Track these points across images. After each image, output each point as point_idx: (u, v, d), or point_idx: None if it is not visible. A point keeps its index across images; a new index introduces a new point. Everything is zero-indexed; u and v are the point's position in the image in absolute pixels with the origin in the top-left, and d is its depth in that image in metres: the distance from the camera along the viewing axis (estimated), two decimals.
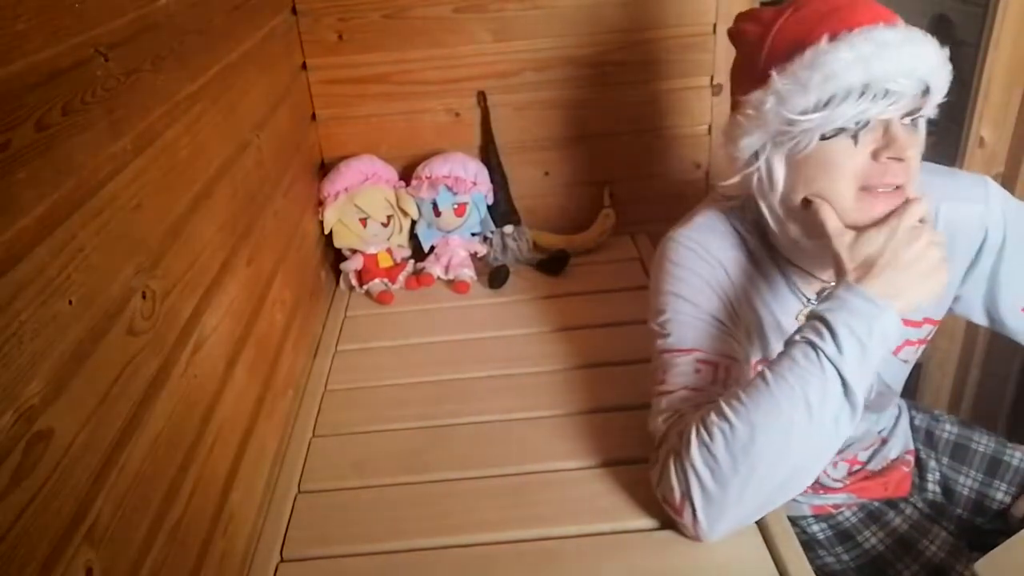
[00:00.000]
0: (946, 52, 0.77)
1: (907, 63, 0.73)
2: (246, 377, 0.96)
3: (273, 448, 1.04)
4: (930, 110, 0.78)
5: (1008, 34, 1.48)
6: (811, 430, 0.73)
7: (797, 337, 0.76)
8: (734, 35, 0.88)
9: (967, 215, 0.88)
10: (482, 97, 1.50)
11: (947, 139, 1.61)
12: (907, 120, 0.77)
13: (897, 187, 0.77)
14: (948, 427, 1.10)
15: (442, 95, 1.50)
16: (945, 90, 0.77)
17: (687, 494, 0.77)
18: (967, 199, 0.89)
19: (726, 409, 0.75)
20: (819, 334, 0.74)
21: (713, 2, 1.44)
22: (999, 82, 1.52)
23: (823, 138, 0.77)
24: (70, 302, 0.59)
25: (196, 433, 0.80)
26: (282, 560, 0.88)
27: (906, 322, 0.91)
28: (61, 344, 0.58)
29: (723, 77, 1.49)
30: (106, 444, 0.62)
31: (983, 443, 1.08)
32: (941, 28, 1.65)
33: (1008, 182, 1.57)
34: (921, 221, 0.76)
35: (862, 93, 0.74)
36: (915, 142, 0.77)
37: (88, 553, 0.57)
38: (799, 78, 0.76)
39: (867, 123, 0.76)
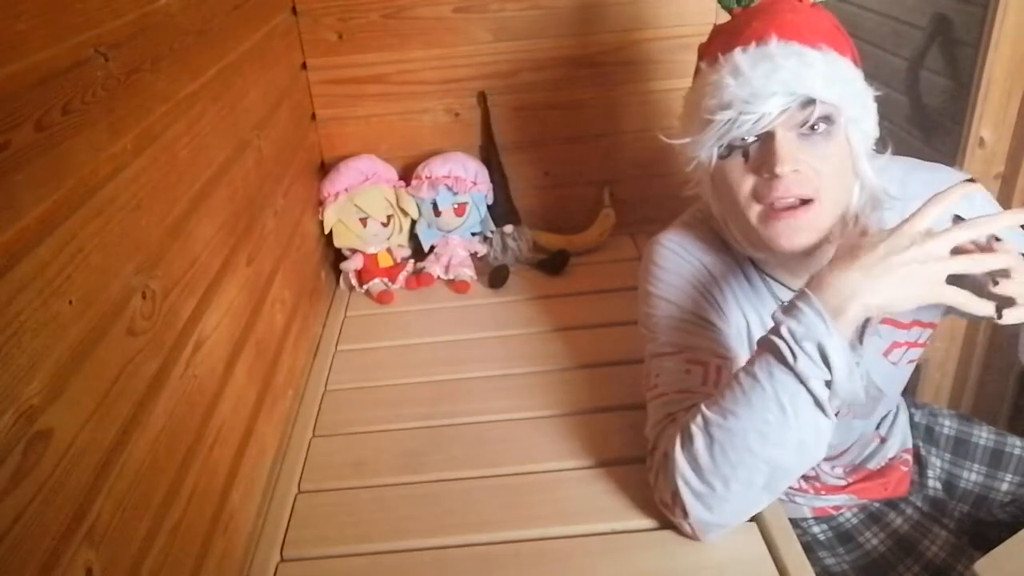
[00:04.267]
0: (831, 59, 0.75)
1: (759, 84, 0.74)
2: (246, 377, 0.96)
3: (273, 448, 1.04)
4: (845, 113, 0.76)
5: (1008, 34, 1.48)
6: (787, 429, 0.72)
7: (767, 337, 0.75)
8: None
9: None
10: (482, 97, 1.50)
11: (947, 139, 1.61)
12: (805, 131, 0.76)
13: (803, 201, 0.76)
14: (947, 422, 1.10)
15: (442, 95, 1.50)
16: (841, 95, 0.76)
17: (677, 496, 0.78)
18: None
19: (706, 412, 0.76)
20: (778, 334, 0.73)
21: (713, 2, 1.44)
22: (999, 82, 1.52)
23: (721, 157, 0.80)
24: (70, 302, 0.59)
25: (196, 433, 0.80)
26: (282, 560, 0.88)
27: (893, 323, 0.91)
28: (61, 344, 0.58)
29: None
30: (106, 444, 0.62)
31: (983, 436, 1.08)
32: (941, 28, 1.66)
33: (1008, 182, 1.56)
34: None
35: (723, 118, 0.76)
36: (815, 152, 0.76)
37: (88, 553, 0.57)
38: (686, 102, 0.84)
39: (756, 139, 0.77)
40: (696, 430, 0.76)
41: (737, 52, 0.77)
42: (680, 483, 0.77)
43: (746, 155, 0.78)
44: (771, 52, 0.75)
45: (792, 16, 0.78)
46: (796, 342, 0.70)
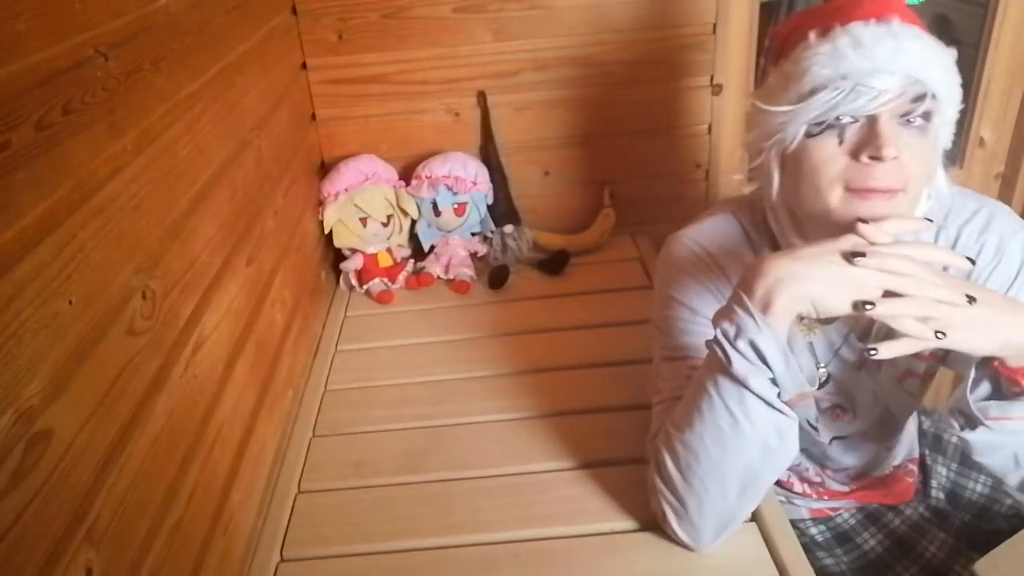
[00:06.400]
0: (948, 53, 0.73)
1: (882, 59, 0.70)
2: (246, 377, 0.96)
3: (273, 448, 1.04)
4: (943, 113, 0.73)
5: (1008, 34, 1.48)
6: (743, 434, 0.70)
7: (707, 342, 0.74)
8: (768, 36, 0.85)
9: (984, 244, 0.83)
10: (482, 97, 1.50)
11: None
12: (903, 121, 0.72)
13: (888, 191, 0.72)
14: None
15: (442, 95, 1.50)
16: (949, 93, 0.73)
17: (662, 512, 0.79)
18: (987, 228, 0.84)
19: (668, 428, 0.76)
20: (715, 338, 0.71)
21: (713, 2, 1.44)
22: (999, 82, 1.52)
23: (809, 136, 0.74)
24: (70, 302, 0.59)
25: (196, 433, 0.80)
26: (282, 560, 0.88)
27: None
28: (61, 344, 0.58)
29: (723, 77, 1.49)
30: (106, 444, 0.62)
31: None
32: (941, 28, 1.66)
33: (1008, 182, 1.56)
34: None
35: (838, 88, 0.71)
36: (911, 144, 0.72)
37: (88, 553, 0.57)
38: (785, 72, 0.76)
39: (854, 120, 0.72)
40: (662, 447, 0.76)
41: (858, 24, 0.72)
42: (661, 502, 0.78)
43: (840, 137, 0.73)
44: (895, 31, 0.71)
45: (900, 4, 0.75)
46: (730, 343, 0.69)
